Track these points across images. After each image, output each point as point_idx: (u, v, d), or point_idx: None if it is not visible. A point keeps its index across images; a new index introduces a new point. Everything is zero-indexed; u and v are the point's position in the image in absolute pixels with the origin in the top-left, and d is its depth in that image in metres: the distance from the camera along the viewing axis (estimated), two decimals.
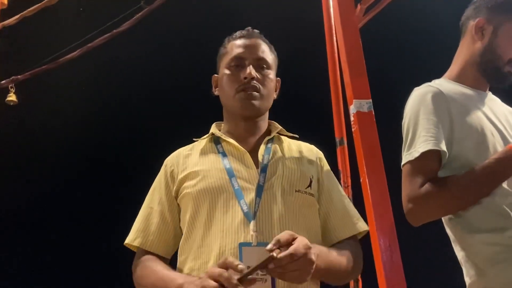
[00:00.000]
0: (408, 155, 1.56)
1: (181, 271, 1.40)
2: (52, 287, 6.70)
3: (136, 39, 5.48)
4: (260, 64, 1.52)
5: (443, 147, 1.52)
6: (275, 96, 1.59)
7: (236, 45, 1.55)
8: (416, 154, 1.53)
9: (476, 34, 1.69)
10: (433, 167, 1.53)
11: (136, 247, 1.49)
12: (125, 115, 6.93)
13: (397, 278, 2.28)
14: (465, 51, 1.73)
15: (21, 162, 6.49)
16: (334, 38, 3.09)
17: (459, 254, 1.58)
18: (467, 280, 1.56)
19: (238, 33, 1.59)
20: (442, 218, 1.66)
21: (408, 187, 1.53)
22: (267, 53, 1.56)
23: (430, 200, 1.48)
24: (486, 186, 1.48)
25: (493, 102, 1.72)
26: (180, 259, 1.43)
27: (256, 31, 1.60)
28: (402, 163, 1.59)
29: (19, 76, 4.46)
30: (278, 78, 1.62)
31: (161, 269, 1.38)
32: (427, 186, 1.49)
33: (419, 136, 1.55)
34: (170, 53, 6.60)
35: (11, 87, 4.42)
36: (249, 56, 1.52)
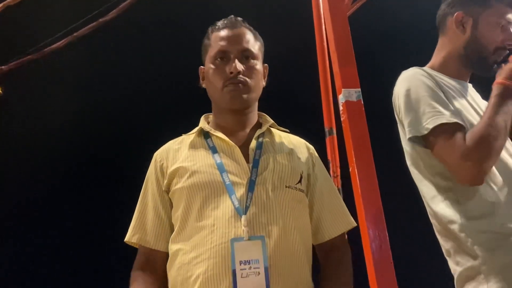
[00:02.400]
0: (432, 121, 1.51)
1: (172, 263, 1.40)
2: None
3: (123, 28, 5.42)
4: (246, 55, 1.49)
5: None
6: (264, 83, 1.57)
7: (219, 37, 1.51)
8: (444, 120, 1.50)
9: (458, 28, 1.71)
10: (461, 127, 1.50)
11: (135, 243, 1.49)
12: (114, 106, 6.86)
13: (386, 267, 2.30)
14: (447, 45, 1.75)
15: (7, 155, 6.40)
16: (323, 26, 3.07)
17: (448, 244, 1.58)
18: (457, 269, 1.56)
19: (221, 23, 1.54)
20: (428, 209, 1.66)
21: (455, 148, 1.46)
22: (252, 42, 1.52)
23: (484, 145, 1.44)
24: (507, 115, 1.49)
25: (475, 93, 1.76)
26: (171, 252, 1.43)
27: (239, 19, 1.56)
28: (425, 133, 1.52)
29: (3, 67, 4.38)
30: (266, 65, 1.58)
31: None
32: (469, 137, 1.46)
33: (434, 106, 1.53)
34: (158, 42, 6.55)
35: None
36: (234, 48, 1.48)
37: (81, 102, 6.62)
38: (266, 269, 1.27)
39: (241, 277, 1.26)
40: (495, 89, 1.52)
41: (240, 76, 1.45)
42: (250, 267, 1.26)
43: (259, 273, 1.26)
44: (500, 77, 1.54)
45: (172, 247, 1.42)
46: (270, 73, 1.61)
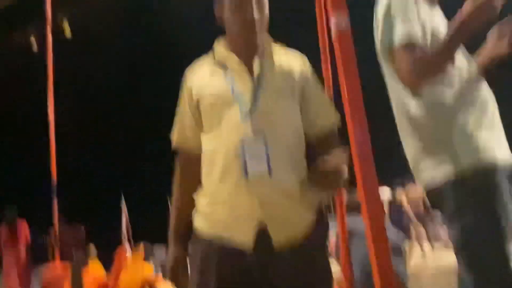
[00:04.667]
0: (400, 37, 1.61)
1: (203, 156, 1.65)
2: None
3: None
4: None
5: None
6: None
7: None
8: (411, 38, 1.61)
9: None
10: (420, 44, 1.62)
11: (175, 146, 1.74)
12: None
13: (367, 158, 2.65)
14: None
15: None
16: None
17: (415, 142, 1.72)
18: (434, 173, 1.68)
19: None
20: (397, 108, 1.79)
21: (408, 64, 1.59)
22: None
23: (431, 67, 1.58)
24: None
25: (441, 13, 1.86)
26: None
27: None
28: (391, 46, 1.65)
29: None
30: None
31: (179, 213, 1.71)
32: (424, 56, 1.58)
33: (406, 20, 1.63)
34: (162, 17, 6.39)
35: (64, 21, 4.60)
36: None
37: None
38: (267, 156, 1.51)
39: (249, 158, 1.50)
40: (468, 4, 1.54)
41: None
42: (255, 153, 1.50)
43: (262, 157, 1.51)
44: None
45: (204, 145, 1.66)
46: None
